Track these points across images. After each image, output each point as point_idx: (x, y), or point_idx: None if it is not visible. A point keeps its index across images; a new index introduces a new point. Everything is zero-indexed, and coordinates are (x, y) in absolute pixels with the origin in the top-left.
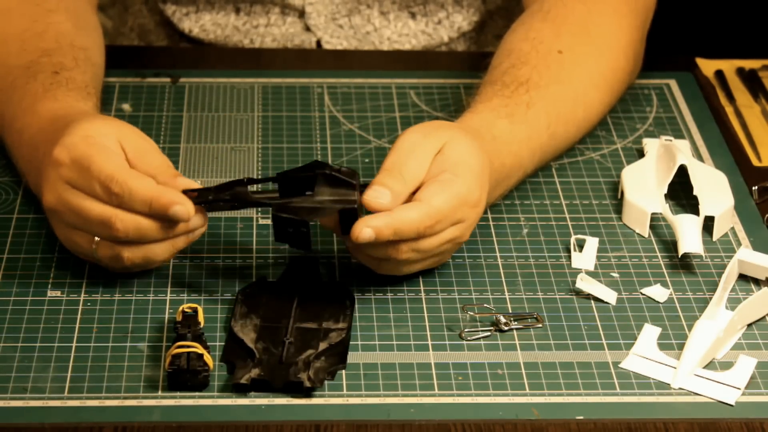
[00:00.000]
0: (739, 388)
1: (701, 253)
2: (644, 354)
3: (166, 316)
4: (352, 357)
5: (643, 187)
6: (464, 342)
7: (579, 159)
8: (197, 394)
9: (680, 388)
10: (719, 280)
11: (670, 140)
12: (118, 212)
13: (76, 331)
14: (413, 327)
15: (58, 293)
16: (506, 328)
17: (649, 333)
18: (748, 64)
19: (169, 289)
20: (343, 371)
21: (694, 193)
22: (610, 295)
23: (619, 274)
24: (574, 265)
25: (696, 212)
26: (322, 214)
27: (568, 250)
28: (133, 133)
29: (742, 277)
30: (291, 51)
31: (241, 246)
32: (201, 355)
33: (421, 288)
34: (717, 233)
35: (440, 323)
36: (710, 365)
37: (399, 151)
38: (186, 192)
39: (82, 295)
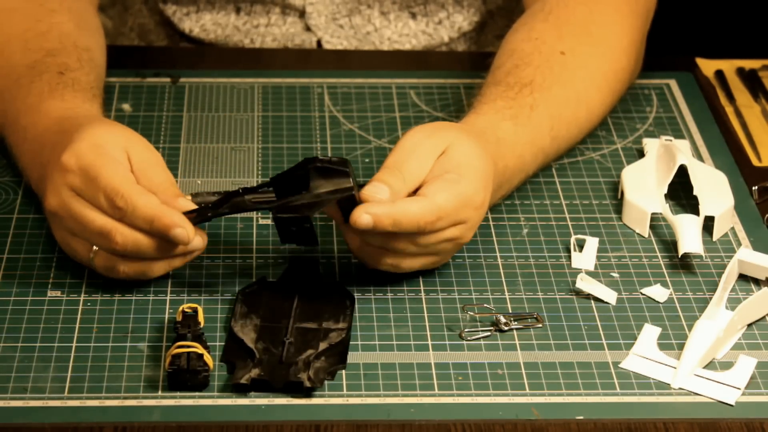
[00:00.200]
0: (739, 388)
1: (701, 253)
2: (644, 354)
3: (166, 316)
4: (352, 357)
5: (643, 187)
6: (464, 342)
7: (579, 159)
8: (197, 394)
9: (680, 388)
10: (719, 280)
11: (670, 140)
12: (118, 226)
13: (76, 331)
14: (413, 327)
15: (58, 293)
16: (506, 328)
17: (649, 333)
18: (748, 64)
19: (169, 289)
20: (343, 371)
21: (694, 193)
22: (610, 295)
23: (619, 274)
24: (574, 265)
25: (696, 212)
26: (321, 206)
27: (568, 250)
28: (140, 144)
29: (742, 277)
30: (291, 51)
31: (241, 246)
32: (201, 355)
33: (421, 288)
34: (717, 233)
35: (440, 323)
36: (710, 365)
37: (401, 149)
38: (185, 213)
39: (82, 295)
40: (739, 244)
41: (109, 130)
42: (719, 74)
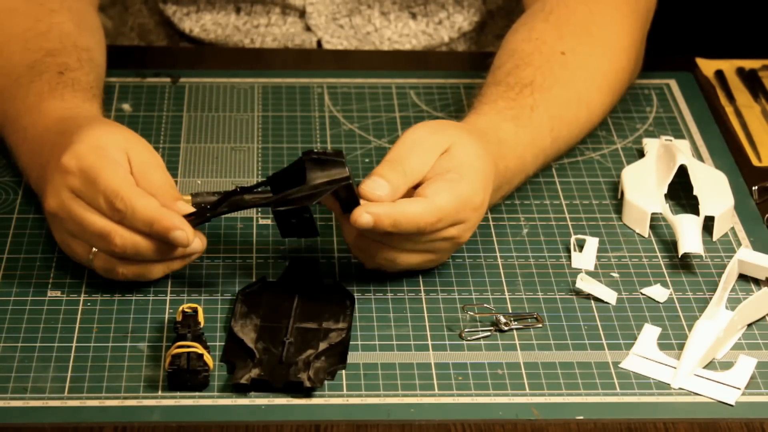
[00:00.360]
0: (739, 388)
1: (701, 253)
2: (644, 354)
3: (166, 316)
4: (352, 357)
5: (643, 187)
6: (464, 342)
7: (579, 159)
8: (197, 394)
9: (680, 388)
10: (719, 280)
11: (670, 140)
12: (118, 228)
13: (76, 331)
14: (413, 327)
15: (58, 293)
16: (506, 328)
17: (649, 333)
18: (748, 64)
19: (169, 289)
20: (343, 371)
21: (694, 193)
22: (610, 295)
23: (619, 274)
24: (574, 265)
25: (696, 212)
26: (319, 196)
27: (568, 250)
28: (141, 146)
29: (742, 277)
30: (291, 51)
31: (241, 246)
32: (201, 355)
33: (421, 288)
34: (717, 233)
35: (440, 323)
36: (710, 365)
37: (403, 144)
38: (184, 216)
39: (82, 295)
40: (739, 244)
41: (110, 131)
42: (719, 74)
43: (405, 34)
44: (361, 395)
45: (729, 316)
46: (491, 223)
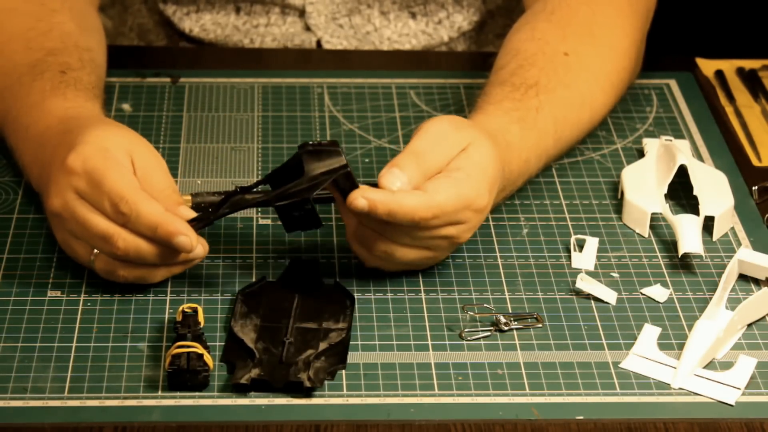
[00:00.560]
0: (739, 388)
1: (701, 253)
2: (644, 354)
3: (166, 316)
4: (352, 357)
5: (643, 187)
6: (464, 342)
7: (579, 159)
8: (197, 394)
9: (680, 388)
10: (719, 280)
11: (670, 140)
12: (121, 231)
13: (76, 331)
14: (413, 327)
15: (58, 293)
16: (506, 328)
17: (649, 333)
18: (748, 64)
19: (169, 289)
20: (343, 371)
21: (694, 193)
22: (610, 295)
23: (619, 274)
24: (574, 265)
25: (696, 212)
26: (318, 187)
27: (568, 250)
28: (145, 149)
29: (742, 277)
30: (291, 51)
31: (241, 246)
32: (201, 355)
33: (421, 288)
34: (717, 233)
35: (440, 323)
36: (710, 365)
37: (427, 136)
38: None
39: (82, 295)
40: (739, 244)
41: (115, 132)
42: (719, 74)
43: (405, 33)
44: (361, 395)
45: (729, 316)
46: (491, 223)
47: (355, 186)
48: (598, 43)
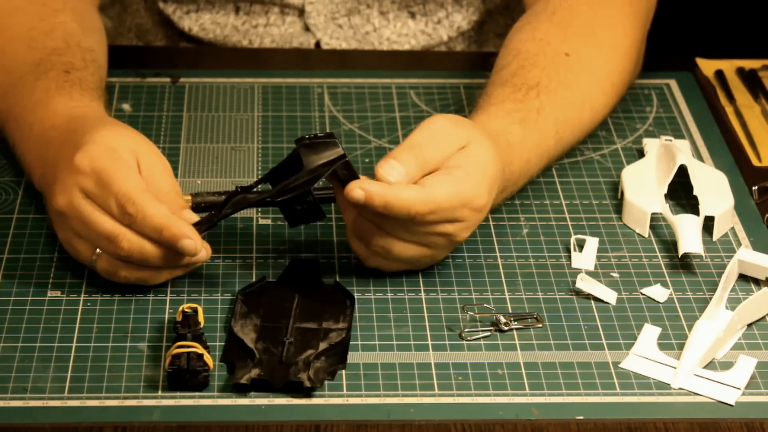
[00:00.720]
0: (739, 388)
1: (701, 253)
2: (644, 354)
3: (166, 316)
4: (352, 357)
5: (643, 187)
6: (464, 342)
7: (579, 159)
8: (197, 394)
9: (680, 388)
10: (719, 280)
11: (670, 140)
12: (126, 232)
13: (76, 331)
14: (413, 327)
15: (58, 293)
16: (506, 328)
17: (649, 333)
18: (748, 64)
19: (169, 289)
20: (343, 371)
21: (694, 193)
22: (610, 295)
23: (619, 274)
24: (574, 265)
25: (696, 212)
26: (318, 179)
27: (568, 250)
28: (150, 151)
29: (742, 277)
30: (291, 51)
31: (241, 246)
32: (201, 355)
33: (421, 288)
34: (717, 233)
35: (440, 323)
36: (710, 365)
37: (425, 131)
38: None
39: (82, 295)
40: (739, 244)
41: (122, 133)
42: (719, 74)
43: (404, 33)
44: (361, 395)
45: (729, 316)
46: (491, 223)
47: (356, 176)
48: (600, 43)
